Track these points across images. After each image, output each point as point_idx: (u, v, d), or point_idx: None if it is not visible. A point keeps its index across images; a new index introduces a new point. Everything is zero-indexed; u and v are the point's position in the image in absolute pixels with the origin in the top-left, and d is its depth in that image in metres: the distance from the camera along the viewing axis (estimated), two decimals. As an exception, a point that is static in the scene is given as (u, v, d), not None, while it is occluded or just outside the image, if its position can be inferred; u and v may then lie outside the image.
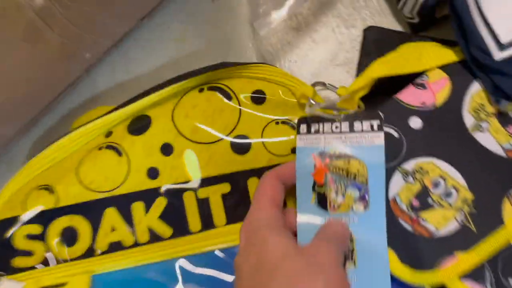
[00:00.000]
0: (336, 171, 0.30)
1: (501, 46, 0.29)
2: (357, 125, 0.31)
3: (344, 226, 0.28)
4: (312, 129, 0.32)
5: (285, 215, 0.30)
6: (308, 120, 0.32)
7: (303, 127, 0.32)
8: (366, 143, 0.30)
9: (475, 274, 0.28)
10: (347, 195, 0.29)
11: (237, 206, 0.33)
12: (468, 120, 0.30)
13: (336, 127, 0.31)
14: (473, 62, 0.30)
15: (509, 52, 0.29)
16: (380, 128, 0.30)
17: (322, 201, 0.30)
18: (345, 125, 0.31)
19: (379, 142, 0.30)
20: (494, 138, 0.30)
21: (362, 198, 0.29)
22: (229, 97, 0.34)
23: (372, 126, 0.30)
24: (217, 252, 0.33)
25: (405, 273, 0.28)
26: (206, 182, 0.33)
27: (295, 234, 0.30)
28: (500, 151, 0.29)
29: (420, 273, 0.28)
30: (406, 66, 0.31)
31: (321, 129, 0.32)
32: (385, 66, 0.31)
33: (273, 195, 0.29)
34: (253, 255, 0.26)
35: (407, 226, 0.29)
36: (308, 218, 0.30)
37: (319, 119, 0.32)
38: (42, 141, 0.39)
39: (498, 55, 0.29)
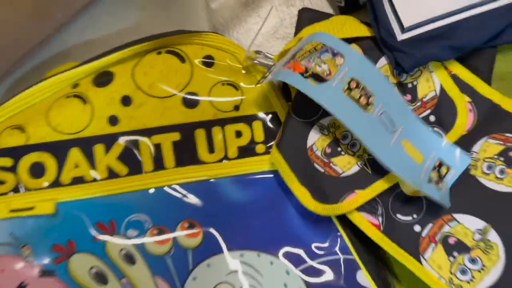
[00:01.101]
0: (305, 55, 0.35)
1: (403, 30, 0.36)
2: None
3: None
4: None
5: None
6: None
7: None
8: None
9: (369, 208, 0.35)
10: (325, 60, 0.34)
11: (187, 152, 0.39)
12: (383, 75, 0.37)
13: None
14: (381, 42, 0.37)
15: (408, 35, 0.36)
16: None
17: (318, 77, 0.33)
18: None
19: None
20: (394, 103, 0.37)
21: (335, 53, 0.34)
22: (183, 60, 0.40)
23: None
24: (166, 188, 0.39)
25: (317, 207, 0.35)
26: (159, 130, 0.39)
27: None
28: (398, 113, 0.37)
29: (328, 206, 0.35)
30: (331, 30, 0.37)
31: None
32: (313, 29, 0.38)
33: None
34: None
35: (320, 168, 0.36)
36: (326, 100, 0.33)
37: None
38: (13, 90, 0.43)
39: (400, 36, 0.36)
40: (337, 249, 0.37)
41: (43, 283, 0.35)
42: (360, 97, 0.34)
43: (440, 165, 0.36)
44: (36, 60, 0.44)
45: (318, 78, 0.33)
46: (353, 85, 0.34)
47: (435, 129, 0.37)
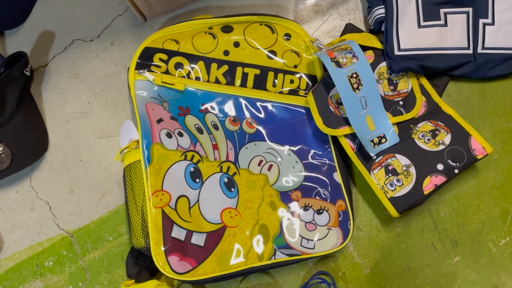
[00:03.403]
0: (338, 50, 0.64)
1: (399, 49, 0.65)
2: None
3: None
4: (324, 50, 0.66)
5: None
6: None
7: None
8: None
9: (351, 137, 0.64)
10: (347, 57, 0.63)
11: (260, 82, 0.68)
12: (375, 77, 0.65)
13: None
14: (386, 53, 0.66)
15: (401, 53, 0.65)
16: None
17: (338, 64, 0.62)
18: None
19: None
20: (382, 88, 0.66)
21: (354, 56, 0.63)
22: (273, 32, 0.69)
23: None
24: (242, 99, 0.67)
25: (324, 128, 0.64)
26: (249, 65, 0.68)
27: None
28: (382, 94, 0.65)
29: (330, 129, 0.63)
30: (361, 40, 0.66)
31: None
32: (350, 36, 0.67)
33: None
34: None
35: (332, 109, 0.64)
36: (336, 77, 0.62)
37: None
38: (174, 19, 0.73)
39: (396, 52, 0.65)
40: (326, 157, 0.66)
41: (170, 122, 0.64)
42: (354, 83, 0.62)
43: (382, 137, 0.64)
44: (188, 8, 0.73)
45: (338, 64, 0.62)
46: (354, 75, 0.62)
47: (400, 108, 0.65)
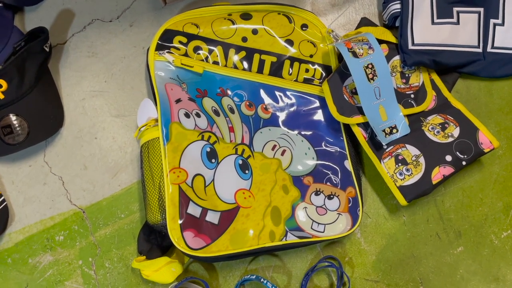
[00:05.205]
0: (355, 41, 0.65)
1: (413, 43, 0.67)
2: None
3: None
4: (339, 39, 0.68)
5: None
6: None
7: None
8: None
9: (364, 126, 0.66)
10: (363, 48, 0.65)
11: (277, 69, 0.69)
12: (389, 70, 0.67)
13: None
14: (399, 46, 0.68)
15: (415, 47, 0.67)
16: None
17: (354, 54, 0.64)
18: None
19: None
20: (395, 81, 0.68)
21: (370, 47, 0.65)
22: (290, 21, 0.71)
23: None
24: (258, 84, 0.69)
25: (338, 116, 0.65)
26: (266, 52, 0.69)
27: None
28: (395, 86, 0.67)
29: (343, 118, 0.65)
30: (376, 33, 0.68)
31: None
32: (365, 29, 0.69)
33: None
34: None
35: (346, 98, 0.66)
36: (352, 66, 0.63)
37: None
38: (193, 4, 0.74)
39: (410, 47, 0.67)
40: (338, 145, 0.67)
41: (188, 103, 0.65)
42: (369, 73, 0.64)
43: (394, 127, 0.66)
44: (208, -6, 0.75)
45: (355, 54, 0.64)
46: (370, 66, 0.64)
47: (411, 101, 0.67)
